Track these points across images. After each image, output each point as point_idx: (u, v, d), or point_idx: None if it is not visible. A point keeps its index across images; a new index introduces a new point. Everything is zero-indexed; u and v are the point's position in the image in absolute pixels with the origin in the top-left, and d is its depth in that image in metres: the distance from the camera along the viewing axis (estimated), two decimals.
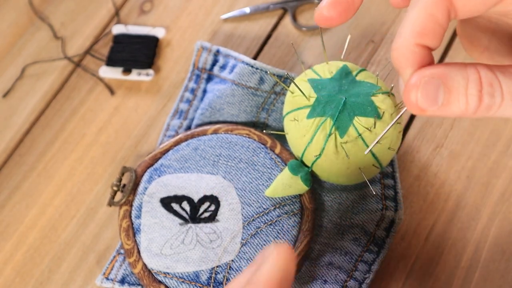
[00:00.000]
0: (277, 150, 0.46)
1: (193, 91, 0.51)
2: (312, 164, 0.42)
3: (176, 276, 0.43)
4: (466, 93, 0.27)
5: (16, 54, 0.56)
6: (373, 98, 0.40)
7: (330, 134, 0.40)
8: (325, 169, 0.42)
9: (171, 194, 0.45)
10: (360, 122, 0.39)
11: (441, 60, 0.52)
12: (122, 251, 0.46)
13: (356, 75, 0.42)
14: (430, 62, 0.29)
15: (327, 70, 0.42)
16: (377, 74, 0.41)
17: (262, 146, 0.46)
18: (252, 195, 0.45)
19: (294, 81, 0.42)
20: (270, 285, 0.28)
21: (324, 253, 0.44)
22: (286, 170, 0.43)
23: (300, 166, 0.43)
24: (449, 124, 0.49)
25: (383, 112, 0.40)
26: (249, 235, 0.44)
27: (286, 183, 0.43)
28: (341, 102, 0.40)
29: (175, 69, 0.54)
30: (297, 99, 0.42)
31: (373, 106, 0.40)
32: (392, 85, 0.41)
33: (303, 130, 0.41)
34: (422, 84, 0.27)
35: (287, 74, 0.44)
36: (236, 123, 0.48)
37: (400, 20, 0.53)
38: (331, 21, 0.31)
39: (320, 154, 0.40)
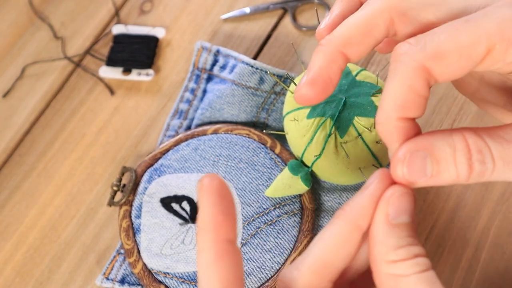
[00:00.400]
0: (277, 150, 0.46)
1: (193, 91, 0.51)
2: (312, 164, 0.42)
3: (176, 276, 0.43)
4: (455, 162, 0.27)
5: (16, 54, 0.56)
6: (373, 98, 0.40)
7: (330, 134, 0.40)
8: (325, 169, 0.42)
9: (171, 194, 0.46)
10: (360, 122, 0.39)
11: None
12: (122, 251, 0.46)
13: (356, 75, 0.42)
14: (416, 133, 0.28)
15: None
16: (377, 74, 0.42)
17: (262, 146, 0.46)
18: (252, 195, 0.45)
19: (294, 81, 0.42)
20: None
21: None
22: (286, 170, 0.43)
23: (300, 166, 0.43)
24: (449, 124, 0.49)
25: None
26: (249, 235, 0.44)
27: (286, 183, 0.43)
28: (341, 102, 0.40)
29: (175, 69, 0.54)
30: None
31: (373, 106, 0.40)
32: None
33: (303, 130, 0.41)
34: (408, 159, 0.27)
35: (287, 74, 0.44)
36: (236, 123, 0.48)
37: None
38: (310, 100, 0.31)
39: (320, 154, 0.40)
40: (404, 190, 0.28)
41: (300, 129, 0.41)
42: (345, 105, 0.40)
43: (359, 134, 0.40)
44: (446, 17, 0.28)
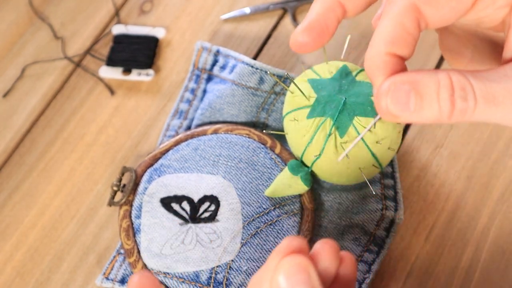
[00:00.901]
0: (277, 150, 0.46)
1: (193, 91, 0.51)
2: (312, 164, 0.42)
3: (176, 276, 0.43)
4: (438, 98, 0.27)
5: (16, 54, 0.56)
6: (373, 98, 0.40)
7: (330, 134, 0.40)
8: (325, 169, 0.42)
9: (171, 194, 0.46)
10: (360, 122, 0.39)
11: None
12: (122, 251, 0.46)
13: (356, 75, 0.42)
14: (402, 70, 0.28)
15: (327, 70, 0.42)
16: None
17: (262, 146, 0.46)
18: (252, 195, 0.45)
19: (294, 81, 0.42)
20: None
21: None
22: (286, 170, 0.43)
23: (300, 166, 0.43)
24: (449, 124, 0.49)
25: None
26: (249, 235, 0.44)
27: (286, 183, 0.43)
28: (341, 102, 0.40)
29: (175, 69, 0.54)
30: (297, 99, 0.42)
31: (373, 106, 0.40)
32: None
33: (303, 130, 0.41)
34: (392, 90, 0.27)
35: (287, 74, 0.44)
36: (236, 123, 0.48)
37: None
38: (305, 46, 0.31)
39: (320, 154, 0.41)
40: (291, 263, 0.27)
41: (300, 129, 0.41)
42: (345, 105, 0.40)
43: (359, 134, 0.40)
44: None
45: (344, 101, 0.40)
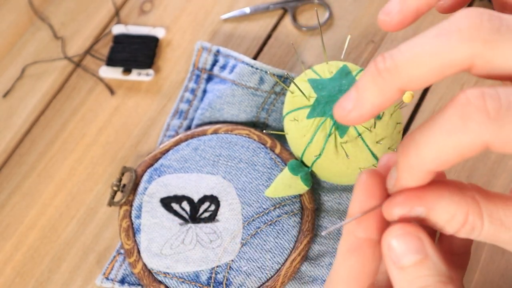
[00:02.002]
0: (277, 150, 0.46)
1: (193, 91, 0.51)
2: (312, 164, 0.42)
3: (176, 276, 0.43)
4: (448, 222, 0.26)
5: (16, 54, 0.56)
6: None
7: (330, 134, 0.40)
8: (325, 169, 0.42)
9: (171, 194, 0.46)
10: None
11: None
12: (122, 251, 0.46)
13: (356, 75, 0.42)
14: (429, 180, 0.27)
15: (327, 70, 0.42)
16: None
17: (262, 146, 0.46)
18: (252, 195, 0.45)
19: (294, 81, 0.42)
20: None
21: (324, 253, 0.44)
22: (286, 170, 0.43)
23: (300, 166, 0.43)
24: None
25: (383, 112, 0.40)
26: (249, 235, 0.44)
27: (286, 183, 0.43)
28: None
29: (175, 69, 0.54)
30: (297, 99, 0.42)
31: None
32: None
33: (303, 130, 0.41)
34: (405, 212, 0.27)
35: (287, 74, 0.44)
36: (236, 123, 0.48)
37: None
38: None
39: (320, 154, 0.41)
40: (402, 230, 0.26)
41: (300, 129, 0.41)
42: None
43: (359, 134, 0.40)
44: None
45: None
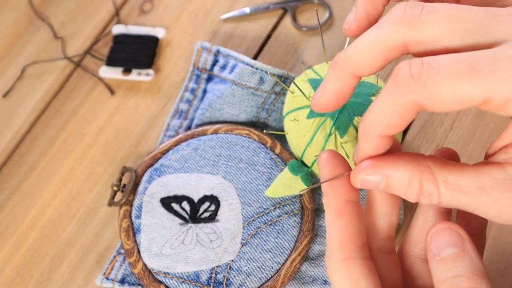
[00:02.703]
0: (277, 150, 0.46)
1: (193, 91, 0.51)
2: (312, 164, 0.42)
3: (176, 276, 0.43)
4: (405, 191, 0.30)
5: (16, 54, 0.56)
6: (373, 98, 0.40)
7: (330, 134, 0.40)
8: None
9: (171, 194, 0.46)
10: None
11: None
12: (122, 251, 0.46)
13: None
14: (387, 147, 0.31)
15: (327, 70, 0.42)
16: (377, 74, 0.42)
17: (262, 146, 0.46)
18: (252, 195, 0.45)
19: (294, 81, 0.42)
20: None
21: (324, 253, 0.44)
22: (286, 170, 0.43)
23: (300, 166, 0.43)
24: (449, 124, 0.49)
25: None
26: (249, 235, 0.44)
27: (286, 183, 0.43)
28: None
29: (175, 69, 0.54)
30: (297, 99, 0.42)
31: None
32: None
33: (303, 130, 0.41)
34: (364, 180, 0.31)
35: (287, 74, 0.44)
36: (236, 123, 0.48)
37: None
38: (325, 110, 0.34)
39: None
40: (443, 226, 0.30)
41: (300, 129, 0.41)
42: (345, 105, 0.40)
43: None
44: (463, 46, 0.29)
45: None
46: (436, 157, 0.31)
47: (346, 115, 0.40)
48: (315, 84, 0.41)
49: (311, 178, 0.43)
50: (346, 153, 0.40)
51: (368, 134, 0.30)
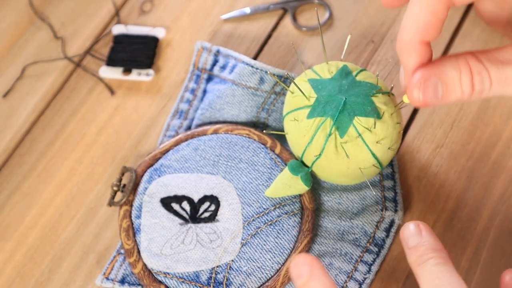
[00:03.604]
0: (277, 150, 0.46)
1: (193, 91, 0.51)
2: (312, 164, 0.42)
3: (176, 276, 0.43)
4: (460, 83, 0.32)
5: (16, 54, 0.56)
6: (373, 98, 0.40)
7: (330, 134, 0.40)
8: (325, 169, 0.42)
9: (171, 194, 0.46)
10: (360, 122, 0.39)
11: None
12: (122, 251, 0.46)
13: (356, 75, 0.42)
14: (429, 55, 0.33)
15: (327, 70, 0.42)
16: (377, 74, 0.42)
17: (262, 146, 0.46)
18: (252, 195, 0.45)
19: (294, 81, 0.42)
20: None
21: (324, 253, 0.44)
22: (286, 170, 0.43)
23: (300, 166, 0.43)
24: (449, 124, 0.49)
25: (383, 112, 0.40)
26: (249, 235, 0.44)
27: (286, 183, 0.43)
28: (341, 102, 0.40)
29: (175, 69, 0.54)
30: (297, 99, 0.42)
31: (373, 106, 0.40)
32: (392, 85, 0.41)
33: (303, 130, 0.41)
34: (423, 83, 0.32)
35: (287, 74, 0.44)
36: (236, 123, 0.48)
37: (400, 20, 0.53)
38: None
39: (320, 154, 0.41)
40: (410, 223, 0.37)
41: (300, 129, 0.41)
42: (345, 105, 0.40)
43: (359, 134, 0.40)
44: None
45: (344, 101, 0.40)
46: (472, 51, 0.32)
47: (346, 115, 0.40)
48: (315, 84, 0.41)
49: (311, 178, 0.43)
50: (346, 153, 0.40)
51: (409, 45, 0.32)
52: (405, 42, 0.32)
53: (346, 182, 0.44)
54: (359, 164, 0.40)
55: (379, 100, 0.40)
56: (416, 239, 0.35)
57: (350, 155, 0.40)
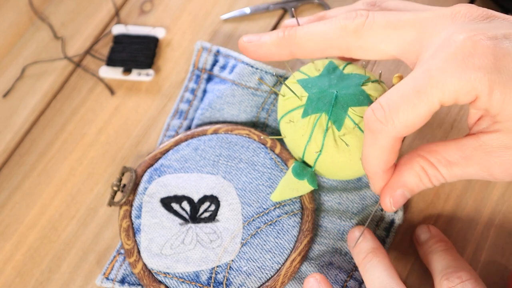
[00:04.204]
0: (277, 150, 0.46)
1: (193, 91, 0.51)
2: (315, 162, 0.42)
3: (176, 276, 0.43)
4: (422, 184, 0.38)
5: (16, 54, 0.56)
6: (363, 87, 0.40)
7: (327, 129, 0.40)
8: (328, 165, 0.42)
9: (171, 194, 0.46)
10: (355, 112, 0.40)
11: None
12: (122, 251, 0.46)
13: (343, 68, 0.42)
14: (392, 172, 0.39)
15: (313, 68, 0.43)
16: (363, 64, 0.42)
17: (262, 146, 0.46)
18: (252, 195, 0.45)
19: (285, 83, 0.43)
20: None
21: (324, 253, 0.44)
22: (290, 175, 0.43)
23: (304, 168, 0.43)
24: (449, 124, 0.49)
25: (376, 99, 0.40)
26: (249, 235, 0.44)
27: (293, 188, 0.43)
28: (333, 96, 0.40)
29: (175, 69, 0.54)
30: (290, 101, 0.42)
31: (365, 94, 0.40)
32: (380, 71, 0.42)
33: (300, 130, 0.41)
34: (393, 199, 0.39)
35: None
36: (236, 123, 0.48)
37: None
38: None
39: (320, 150, 0.41)
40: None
41: (297, 129, 0.41)
42: (337, 98, 0.40)
43: (356, 124, 0.40)
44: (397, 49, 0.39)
45: (336, 94, 0.40)
46: (425, 145, 0.38)
47: (340, 107, 0.40)
48: (304, 83, 0.42)
49: (316, 178, 0.43)
50: (346, 144, 0.40)
51: (375, 175, 0.38)
52: (371, 173, 0.38)
53: (350, 175, 0.43)
54: (360, 153, 0.40)
55: (369, 88, 0.41)
56: (426, 235, 0.43)
57: (351, 145, 0.40)
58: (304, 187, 0.43)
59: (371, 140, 0.36)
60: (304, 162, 0.43)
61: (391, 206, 0.39)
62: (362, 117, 0.40)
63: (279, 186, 0.44)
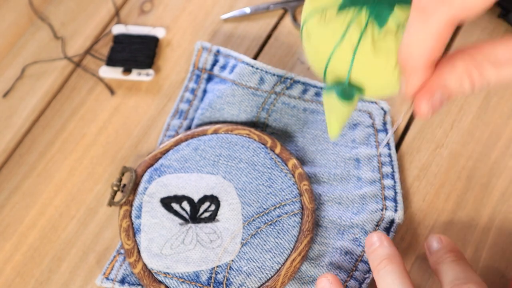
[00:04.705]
0: (277, 150, 0.46)
1: (193, 91, 0.51)
2: (350, 69, 0.34)
3: (176, 276, 0.43)
4: (462, 88, 0.32)
5: (16, 54, 0.56)
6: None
7: (366, 26, 0.33)
8: (363, 72, 0.35)
9: (171, 194, 0.46)
10: (402, 11, 0.34)
11: None
12: (122, 251, 0.46)
13: None
14: (432, 70, 0.33)
15: None
16: None
17: (262, 146, 0.46)
18: (252, 195, 0.45)
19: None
20: None
21: (324, 253, 0.44)
22: (337, 104, 0.36)
23: (348, 87, 0.35)
24: (449, 124, 0.49)
25: None
26: (249, 235, 0.44)
27: (344, 115, 0.38)
28: None
29: (175, 69, 0.54)
30: None
31: None
32: None
33: (330, 30, 0.34)
34: (430, 100, 0.33)
35: (286, 74, 0.44)
36: (236, 123, 0.48)
37: None
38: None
39: (355, 52, 0.34)
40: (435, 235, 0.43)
41: (328, 29, 0.34)
42: None
43: (399, 27, 0.34)
44: None
45: None
46: (467, 46, 0.32)
47: (386, 2, 0.34)
48: None
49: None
50: (386, 45, 0.34)
51: (414, 70, 0.32)
52: (410, 67, 0.32)
53: (382, 87, 0.36)
54: (396, 57, 0.34)
55: None
56: (437, 244, 0.42)
57: (389, 50, 0.34)
58: (351, 106, 0.37)
59: (419, 24, 0.30)
60: (325, 76, 0.36)
61: (427, 111, 0.33)
62: (405, 20, 0.33)
63: (331, 122, 0.38)
